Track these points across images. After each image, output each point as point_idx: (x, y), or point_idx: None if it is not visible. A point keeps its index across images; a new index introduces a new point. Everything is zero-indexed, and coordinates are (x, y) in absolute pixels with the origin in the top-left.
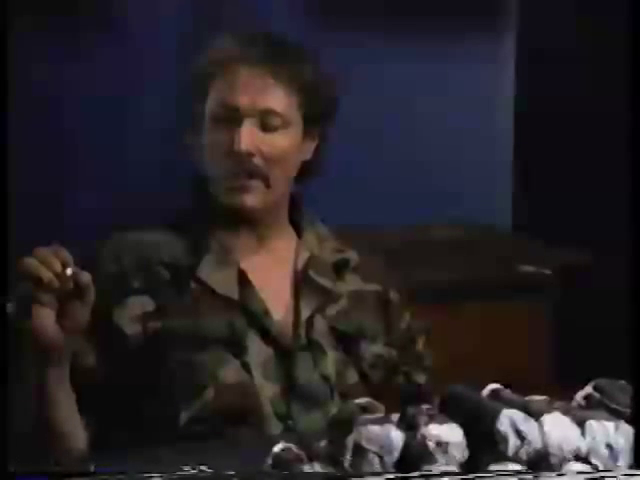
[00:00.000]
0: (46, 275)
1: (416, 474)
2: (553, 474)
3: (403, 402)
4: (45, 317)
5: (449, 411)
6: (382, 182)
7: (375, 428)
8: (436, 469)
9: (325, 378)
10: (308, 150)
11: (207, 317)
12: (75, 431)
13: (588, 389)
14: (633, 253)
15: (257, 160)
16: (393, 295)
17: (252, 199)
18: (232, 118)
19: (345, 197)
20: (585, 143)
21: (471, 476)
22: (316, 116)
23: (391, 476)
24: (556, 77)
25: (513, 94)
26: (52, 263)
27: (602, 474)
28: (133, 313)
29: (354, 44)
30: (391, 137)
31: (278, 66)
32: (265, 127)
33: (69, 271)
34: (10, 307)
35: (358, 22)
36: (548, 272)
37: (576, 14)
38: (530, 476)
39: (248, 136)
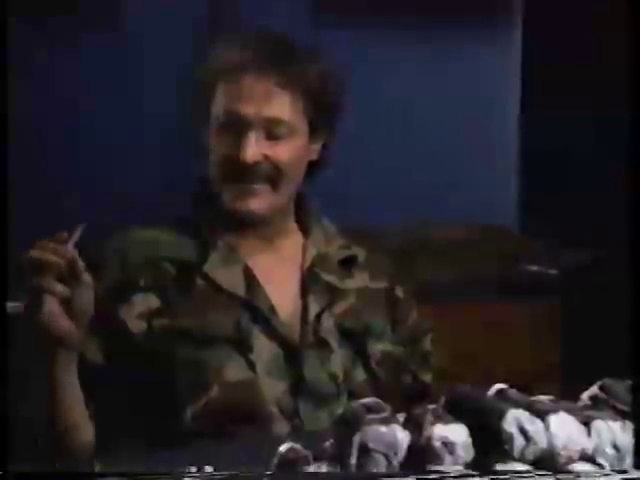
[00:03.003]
0: (47, 257)
1: (422, 474)
2: (572, 475)
3: (409, 402)
4: (53, 303)
5: (455, 411)
6: (384, 182)
7: (381, 428)
8: (442, 469)
9: (332, 376)
10: (314, 151)
11: (213, 314)
12: (83, 424)
13: (594, 389)
14: (636, 253)
15: (264, 167)
16: (400, 292)
17: (258, 203)
18: (237, 126)
19: (347, 196)
20: (588, 144)
21: (477, 476)
22: (322, 118)
23: (397, 476)
24: (560, 78)
25: (517, 95)
26: (52, 247)
27: (607, 474)
28: (138, 310)
29: (356, 44)
30: (393, 137)
31: (283, 72)
32: (271, 136)
33: (69, 246)
34: (11, 307)
35: (360, 22)
36: (552, 272)
37: (580, 15)
38: (539, 476)
39: (254, 146)
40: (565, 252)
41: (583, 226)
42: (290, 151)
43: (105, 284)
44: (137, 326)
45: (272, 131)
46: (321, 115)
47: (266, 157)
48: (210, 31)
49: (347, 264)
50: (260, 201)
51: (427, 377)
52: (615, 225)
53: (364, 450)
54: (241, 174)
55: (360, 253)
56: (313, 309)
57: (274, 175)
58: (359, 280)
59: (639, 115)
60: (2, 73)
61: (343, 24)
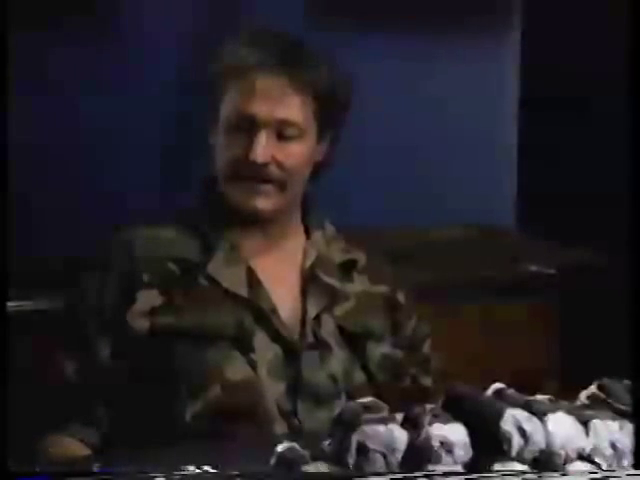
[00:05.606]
0: None
1: (420, 474)
2: (557, 474)
3: (408, 404)
4: None
5: (453, 410)
6: (383, 182)
7: (379, 427)
8: (440, 469)
9: (332, 377)
10: (321, 152)
11: (215, 314)
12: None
13: (592, 389)
14: (635, 253)
15: (272, 168)
16: (401, 297)
17: (265, 202)
18: (248, 126)
19: (346, 198)
20: (588, 143)
21: (475, 476)
22: (331, 120)
23: (395, 476)
24: (559, 77)
25: (517, 95)
26: None
27: (607, 474)
28: (141, 308)
29: (355, 45)
30: (393, 137)
31: (296, 73)
32: (281, 137)
33: None
34: (11, 307)
35: (360, 24)
36: (552, 272)
37: (579, 14)
38: (535, 476)
39: (264, 147)
40: (565, 252)
41: (583, 226)
42: (299, 153)
43: (109, 282)
44: (140, 324)
45: (283, 132)
46: (329, 117)
47: (275, 160)
48: (210, 31)
49: (347, 268)
50: (267, 200)
51: (427, 381)
52: (615, 225)
53: (362, 450)
54: (250, 173)
55: (360, 257)
56: (312, 310)
57: (281, 176)
58: (359, 284)
59: (639, 115)
60: (2, 73)
61: (341, 26)
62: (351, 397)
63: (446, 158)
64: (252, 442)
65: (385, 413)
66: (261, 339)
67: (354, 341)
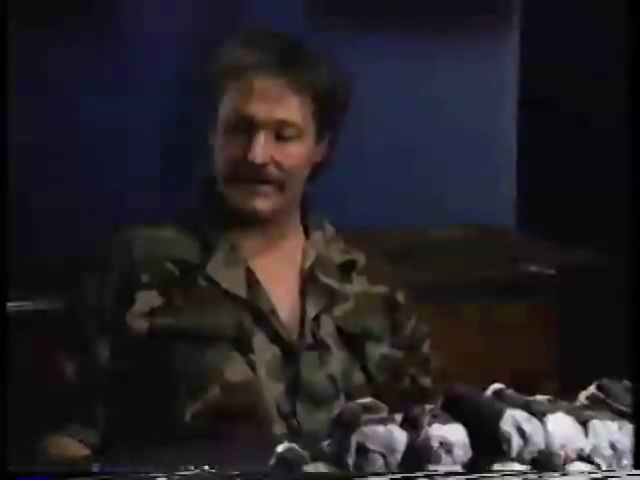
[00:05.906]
0: None
1: (420, 474)
2: (557, 474)
3: (406, 402)
4: None
5: (452, 411)
6: (382, 183)
7: (378, 428)
8: (440, 469)
9: (331, 378)
10: (320, 152)
11: (214, 314)
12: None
13: (592, 389)
14: (635, 253)
15: (271, 169)
16: (400, 297)
17: (264, 203)
18: (247, 127)
19: (345, 198)
20: (588, 144)
21: (475, 476)
22: (330, 120)
23: (395, 476)
24: (559, 77)
25: (516, 95)
26: None
27: (606, 474)
28: (141, 309)
29: (355, 45)
30: (392, 137)
31: (295, 74)
32: (280, 137)
33: None
34: (11, 307)
35: (359, 24)
36: (551, 272)
37: (579, 14)
38: (534, 476)
39: (263, 147)
40: (565, 252)
41: (583, 226)
42: (297, 153)
43: (109, 282)
44: (139, 325)
45: (281, 133)
46: (328, 117)
47: (274, 160)
48: (210, 31)
49: (347, 268)
50: (266, 201)
51: (426, 381)
52: (615, 225)
53: (362, 450)
54: (248, 174)
55: (360, 258)
56: (311, 311)
57: (280, 176)
58: (358, 284)
59: (639, 115)
60: (2, 73)
61: (341, 26)
62: (350, 398)
63: (446, 158)
64: (251, 442)
65: (384, 413)
66: (260, 340)
67: (353, 342)
